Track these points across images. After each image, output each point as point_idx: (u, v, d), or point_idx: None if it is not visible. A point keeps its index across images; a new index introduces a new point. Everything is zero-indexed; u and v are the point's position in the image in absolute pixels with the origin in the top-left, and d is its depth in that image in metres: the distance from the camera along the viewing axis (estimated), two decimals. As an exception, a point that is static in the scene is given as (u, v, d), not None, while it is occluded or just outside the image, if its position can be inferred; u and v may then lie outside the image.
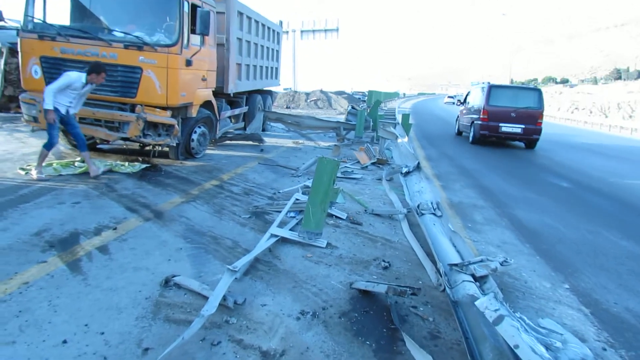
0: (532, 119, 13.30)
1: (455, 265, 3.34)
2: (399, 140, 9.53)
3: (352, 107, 15.75)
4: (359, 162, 9.45)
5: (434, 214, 4.70)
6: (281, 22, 14.49)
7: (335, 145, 11.23)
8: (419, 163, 6.72)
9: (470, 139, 14.29)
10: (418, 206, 4.98)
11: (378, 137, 11.77)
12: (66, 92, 6.37)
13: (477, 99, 14.51)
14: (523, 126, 13.31)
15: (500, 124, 13.32)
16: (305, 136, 12.96)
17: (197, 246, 4.33)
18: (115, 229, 4.62)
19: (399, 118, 13.52)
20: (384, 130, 10.63)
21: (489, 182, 8.69)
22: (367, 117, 13.72)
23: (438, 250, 3.86)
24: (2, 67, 12.74)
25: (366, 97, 37.28)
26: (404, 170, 6.80)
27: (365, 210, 5.87)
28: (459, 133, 16.71)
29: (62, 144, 8.74)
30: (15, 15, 13.28)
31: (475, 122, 14.00)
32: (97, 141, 8.43)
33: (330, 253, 4.37)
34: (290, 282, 3.72)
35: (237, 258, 4.06)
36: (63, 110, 6.44)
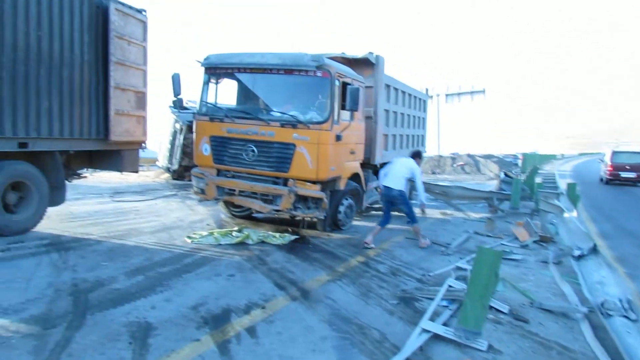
0: None
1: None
2: (566, 215, 8.47)
3: (505, 174, 14.73)
4: (517, 238, 8.58)
5: (627, 317, 3.86)
6: (427, 90, 14.44)
7: (488, 218, 10.45)
8: (595, 245, 5.78)
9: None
10: (602, 304, 4.19)
11: (538, 208, 10.69)
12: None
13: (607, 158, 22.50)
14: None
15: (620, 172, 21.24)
16: (454, 206, 12.31)
17: (343, 336, 4.12)
18: (264, 307, 4.65)
19: (562, 185, 12.22)
20: (546, 202, 9.61)
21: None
22: (523, 185, 12.65)
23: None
24: (181, 141, 14.64)
25: (518, 161, 34.92)
26: (577, 253, 5.93)
27: (532, 304, 5.15)
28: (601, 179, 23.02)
29: (222, 212, 9.48)
30: (193, 97, 15.32)
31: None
32: (253, 211, 8.92)
33: (493, 359, 3.81)
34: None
35: (385, 356, 3.73)
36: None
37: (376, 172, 10.36)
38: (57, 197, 7.68)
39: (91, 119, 7.81)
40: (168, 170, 15.54)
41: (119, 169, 8.71)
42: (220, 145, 7.80)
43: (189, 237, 7.35)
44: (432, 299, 5.10)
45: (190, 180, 15.29)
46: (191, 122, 14.56)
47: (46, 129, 7.03)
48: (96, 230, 7.55)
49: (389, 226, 8.07)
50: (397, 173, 7.85)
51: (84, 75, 7.58)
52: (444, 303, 4.97)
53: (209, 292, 5.01)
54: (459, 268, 6.41)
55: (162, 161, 15.84)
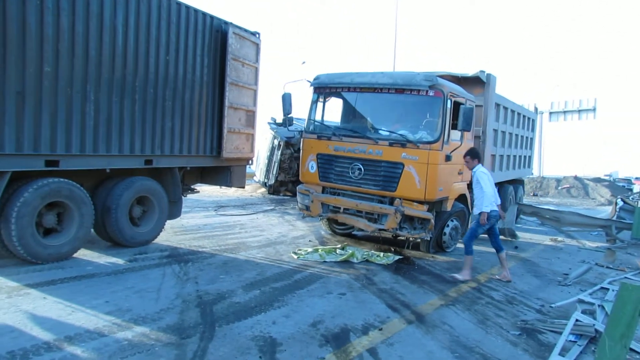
0: None
1: None
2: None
3: (623, 201, 13.60)
4: (643, 272, 7.88)
5: None
6: (536, 109, 13.79)
7: (608, 248, 9.72)
8: None
9: None
10: None
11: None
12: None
13: None
14: None
15: None
16: (566, 233, 11.59)
17: (468, 365, 4.03)
18: (380, 329, 4.68)
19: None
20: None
21: None
22: (645, 213, 11.57)
23: None
24: (278, 157, 15.23)
25: (633, 185, 32.04)
26: None
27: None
28: None
29: (323, 229, 9.69)
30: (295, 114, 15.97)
31: None
32: (356, 229, 9.02)
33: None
34: None
35: (518, 390, 3.59)
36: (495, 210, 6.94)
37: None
38: (174, 210, 8.28)
39: (206, 137, 8.34)
40: (265, 185, 16.18)
41: (228, 183, 9.20)
42: (326, 162, 8.00)
43: (295, 253, 7.59)
44: (557, 333, 4.88)
45: (286, 195, 16.11)
46: (289, 138, 15.19)
47: (168, 147, 7.61)
48: (208, 244, 8.02)
49: (492, 251, 7.76)
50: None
51: (203, 96, 8.15)
52: (572, 338, 4.72)
53: (324, 310, 5.13)
54: (581, 301, 6.03)
55: (259, 176, 16.53)
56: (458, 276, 6.84)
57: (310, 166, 8.22)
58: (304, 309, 5.11)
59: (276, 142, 15.40)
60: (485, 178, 6.92)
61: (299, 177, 8.54)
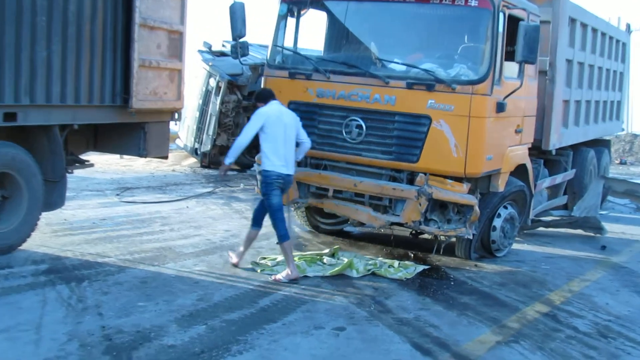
0: None
1: None
2: None
3: None
4: None
5: None
6: (628, 27, 13.80)
7: None
8: None
9: None
10: None
11: None
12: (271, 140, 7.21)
13: None
14: None
15: None
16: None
17: None
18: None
19: None
20: None
21: None
22: None
23: None
24: (217, 107, 15.04)
25: None
26: None
27: None
28: None
29: (298, 224, 9.69)
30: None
31: None
32: (353, 223, 9.02)
33: None
34: None
35: None
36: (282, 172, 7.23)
37: (547, 163, 10.26)
38: (54, 196, 8.04)
39: (105, 75, 8.12)
40: (195, 153, 16.10)
41: (141, 152, 8.99)
42: (304, 117, 7.89)
43: (257, 264, 7.61)
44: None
45: (233, 170, 15.87)
46: (235, 76, 15.04)
47: (42, 92, 7.37)
48: (112, 250, 7.94)
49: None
50: (292, 134, 7.38)
51: (98, 6, 7.89)
52: None
53: (315, 356, 5.14)
54: None
55: (186, 138, 16.41)
56: (279, 277, 7.10)
57: None
58: (280, 356, 5.10)
59: (213, 82, 15.28)
60: (256, 118, 7.20)
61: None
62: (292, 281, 7.04)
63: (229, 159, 7.32)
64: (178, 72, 9.19)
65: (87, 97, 7.95)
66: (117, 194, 11.98)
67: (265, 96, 7.38)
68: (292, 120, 7.34)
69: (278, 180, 7.16)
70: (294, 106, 7.97)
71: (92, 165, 9.39)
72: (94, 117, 8.28)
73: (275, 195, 7.22)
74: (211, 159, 15.70)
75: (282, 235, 7.26)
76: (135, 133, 8.92)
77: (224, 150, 15.72)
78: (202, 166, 16.02)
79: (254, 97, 7.92)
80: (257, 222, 7.63)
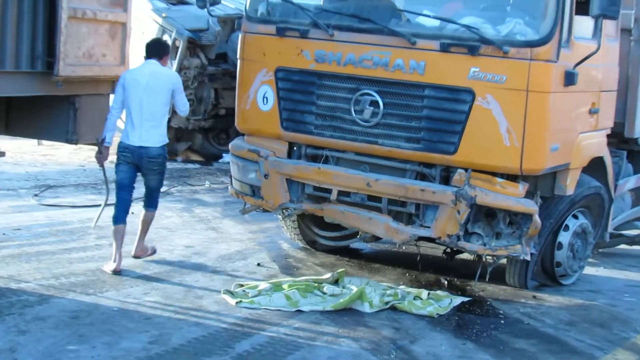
0: None
1: None
2: None
3: None
4: None
5: None
6: None
7: None
8: None
9: None
10: None
11: None
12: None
13: None
14: None
15: None
16: None
17: None
18: None
19: None
20: None
21: None
22: None
23: None
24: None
25: None
26: None
27: None
28: None
29: (286, 238, 9.58)
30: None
31: None
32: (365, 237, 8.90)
33: None
34: None
35: None
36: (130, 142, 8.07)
37: (633, 156, 10.19)
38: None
39: (20, 31, 8.00)
40: None
41: (70, 137, 8.90)
42: (298, 89, 7.94)
43: (231, 293, 7.53)
44: None
45: (191, 161, 15.76)
46: (198, 33, 14.95)
47: None
48: (31, 272, 7.85)
49: None
50: (156, 100, 8.14)
51: None
52: None
53: None
54: None
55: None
56: (105, 267, 8.06)
57: (260, 97, 8.09)
58: None
59: (167, 41, 15.05)
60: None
61: (235, 121, 8.51)
62: (116, 273, 7.91)
63: (102, 136, 8.28)
64: (122, 27, 9.13)
65: (-3, 59, 7.84)
66: (35, 194, 11.92)
67: (147, 52, 8.27)
68: (158, 82, 7.99)
69: (124, 153, 8.16)
70: (283, 74, 8.00)
71: (2, 154, 9.25)
72: (5, 88, 8.05)
73: (120, 170, 8.30)
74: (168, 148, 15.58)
75: (115, 217, 8.24)
76: (62, 110, 8.85)
77: (182, 135, 15.71)
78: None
79: None
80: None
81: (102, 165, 8.78)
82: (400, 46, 7.47)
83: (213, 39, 15.03)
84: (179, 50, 14.86)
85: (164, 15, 15.21)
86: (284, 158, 8.07)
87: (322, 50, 7.75)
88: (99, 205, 11.27)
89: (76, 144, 9.25)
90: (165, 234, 9.97)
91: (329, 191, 7.84)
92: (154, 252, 8.69)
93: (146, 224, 8.56)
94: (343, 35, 7.69)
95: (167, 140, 8.40)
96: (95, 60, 8.75)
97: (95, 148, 8.73)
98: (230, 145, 8.33)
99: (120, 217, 8.09)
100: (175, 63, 14.84)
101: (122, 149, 8.09)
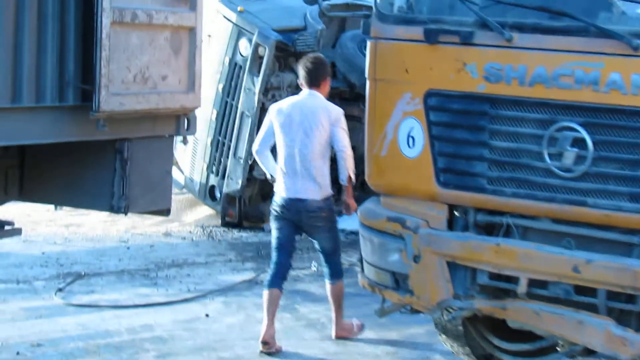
0: None
1: None
2: None
3: None
4: None
5: None
6: None
7: None
8: None
9: None
10: None
11: None
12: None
13: None
14: None
15: None
16: None
17: None
18: None
19: None
20: None
21: None
22: None
23: None
24: (256, 99, 15.01)
25: None
26: None
27: None
28: None
29: (444, 352, 9.35)
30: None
31: None
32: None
33: None
34: None
35: None
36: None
37: None
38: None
39: (42, 46, 8.14)
40: (210, 196, 16.47)
41: (117, 203, 8.96)
42: (461, 123, 7.82)
43: None
44: None
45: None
46: (289, 33, 14.96)
47: None
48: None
49: None
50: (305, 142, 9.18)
51: None
52: None
53: None
54: None
55: (191, 167, 16.83)
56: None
57: (403, 136, 7.98)
58: None
59: (245, 48, 15.46)
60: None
61: (365, 174, 8.40)
62: (264, 344, 9.28)
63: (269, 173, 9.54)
64: (189, 33, 9.27)
65: (9, 93, 7.92)
66: (60, 289, 11.94)
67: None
68: (310, 114, 8.83)
69: (278, 210, 9.05)
70: (436, 101, 7.87)
71: (17, 232, 9.28)
72: (18, 133, 8.21)
73: (275, 229, 9.45)
74: (246, 209, 15.67)
75: (270, 281, 9.41)
76: (104, 163, 8.94)
77: (267, 189, 15.69)
78: (227, 224, 16.24)
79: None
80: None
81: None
82: (617, 54, 7.20)
83: (314, 42, 14.98)
84: (264, 61, 14.95)
85: (240, 9, 15.34)
86: (443, 230, 7.89)
87: (496, 63, 7.56)
88: (156, 304, 11.34)
89: (126, 213, 9.18)
90: (257, 348, 9.79)
91: (514, 280, 7.64)
92: (361, 328, 9.84)
93: (336, 298, 9.76)
94: (527, 40, 7.49)
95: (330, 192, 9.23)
96: (152, 86, 8.78)
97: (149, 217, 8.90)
98: (358, 212, 8.21)
99: (274, 282, 9.04)
100: (259, 80, 14.91)
101: (278, 204, 9.04)
